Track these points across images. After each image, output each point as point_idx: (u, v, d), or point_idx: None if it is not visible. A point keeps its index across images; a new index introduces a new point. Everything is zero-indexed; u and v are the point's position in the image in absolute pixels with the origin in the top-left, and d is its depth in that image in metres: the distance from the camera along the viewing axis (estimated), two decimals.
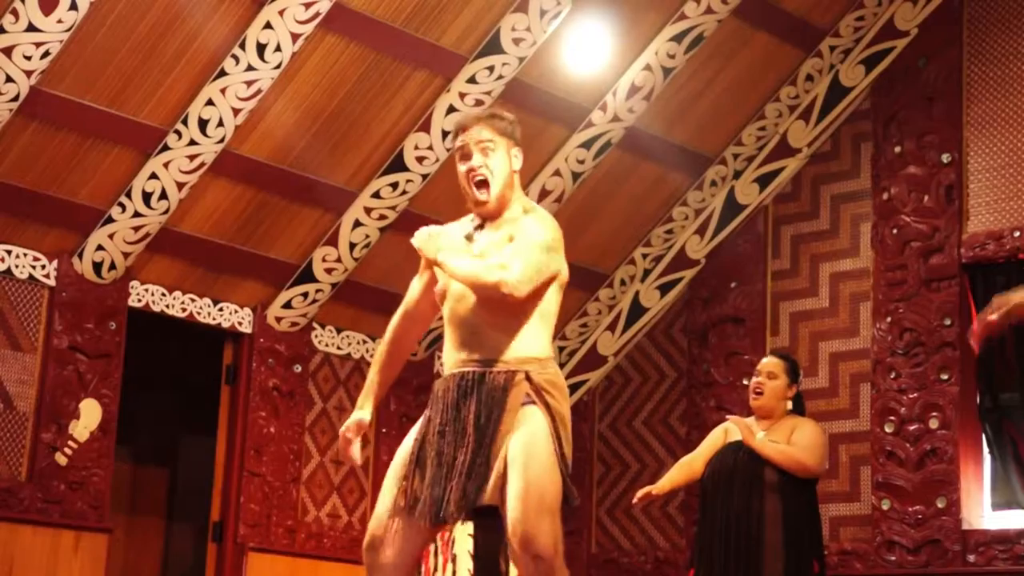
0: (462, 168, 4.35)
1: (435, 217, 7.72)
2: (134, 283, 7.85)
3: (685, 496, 8.98)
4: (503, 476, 4.11)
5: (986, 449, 8.22)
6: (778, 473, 6.47)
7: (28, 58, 6.77)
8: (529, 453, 4.11)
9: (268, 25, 7.21)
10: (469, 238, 4.33)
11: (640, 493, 6.65)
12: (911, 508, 8.22)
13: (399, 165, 8.04)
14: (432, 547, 6.52)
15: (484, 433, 4.17)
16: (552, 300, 4.30)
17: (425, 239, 4.26)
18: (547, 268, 4.22)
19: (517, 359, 4.22)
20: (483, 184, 4.32)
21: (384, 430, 8.61)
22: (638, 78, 8.36)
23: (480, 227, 4.36)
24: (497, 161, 4.31)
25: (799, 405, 6.73)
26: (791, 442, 6.50)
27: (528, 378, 4.20)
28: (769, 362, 6.70)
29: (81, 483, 7.54)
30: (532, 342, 4.25)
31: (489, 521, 4.22)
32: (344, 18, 7.42)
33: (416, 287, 4.51)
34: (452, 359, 4.30)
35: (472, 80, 7.89)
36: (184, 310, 8.05)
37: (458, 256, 4.22)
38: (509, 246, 4.23)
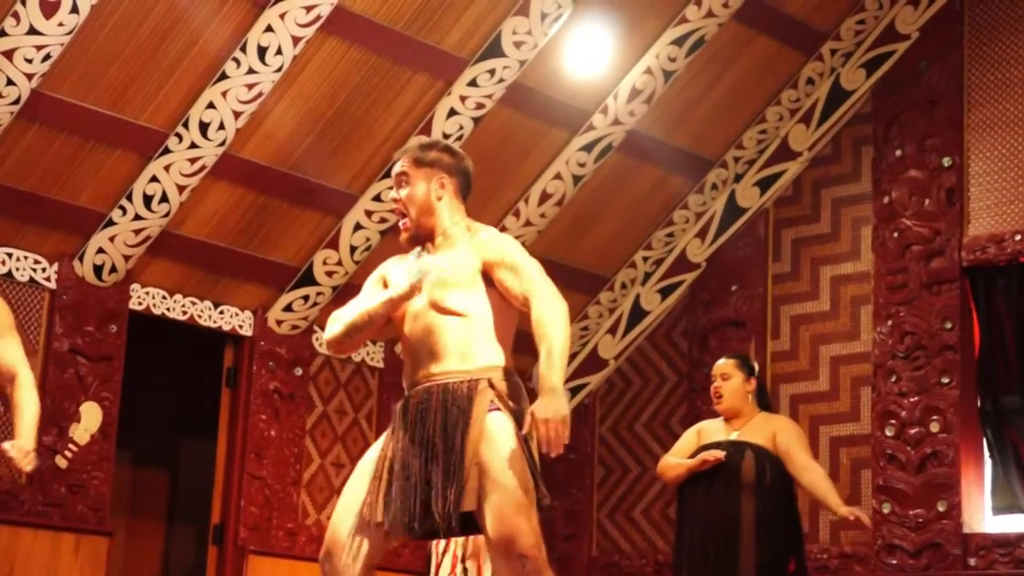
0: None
1: None
2: (135, 286, 7.86)
3: None
4: (479, 483, 4.14)
5: (987, 453, 8.22)
6: (756, 473, 6.52)
7: (29, 61, 6.77)
8: (501, 459, 4.14)
9: (269, 28, 7.21)
10: None
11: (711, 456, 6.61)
12: (912, 511, 8.22)
13: None
14: (455, 551, 6.46)
15: (453, 442, 4.20)
16: (504, 308, 4.35)
17: None
18: (541, 267, 4.33)
19: (479, 368, 4.27)
20: (401, 216, 4.49)
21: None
22: (639, 81, 8.36)
23: (426, 249, 4.44)
24: (413, 192, 4.45)
25: (763, 397, 6.83)
26: (777, 444, 6.58)
27: (491, 384, 4.24)
28: (721, 364, 6.82)
29: (81, 486, 7.54)
30: (491, 352, 4.30)
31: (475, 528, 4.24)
32: (345, 21, 7.42)
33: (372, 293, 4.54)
34: (412, 377, 4.35)
35: (473, 83, 7.90)
36: (185, 313, 8.05)
37: (547, 367, 4.14)
38: (518, 280, 4.27)
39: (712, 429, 6.79)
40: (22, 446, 5.05)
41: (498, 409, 4.22)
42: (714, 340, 9.13)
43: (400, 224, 4.48)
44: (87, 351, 7.62)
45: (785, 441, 6.58)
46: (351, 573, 4.25)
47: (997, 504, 8.16)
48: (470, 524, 4.23)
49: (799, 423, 8.70)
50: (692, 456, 6.67)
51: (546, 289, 4.23)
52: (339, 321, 4.45)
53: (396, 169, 4.50)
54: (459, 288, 4.29)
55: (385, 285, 4.48)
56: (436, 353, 4.29)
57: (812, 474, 6.54)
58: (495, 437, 4.17)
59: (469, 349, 4.27)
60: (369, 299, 4.43)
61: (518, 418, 4.22)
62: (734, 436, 6.64)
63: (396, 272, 4.44)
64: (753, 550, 6.47)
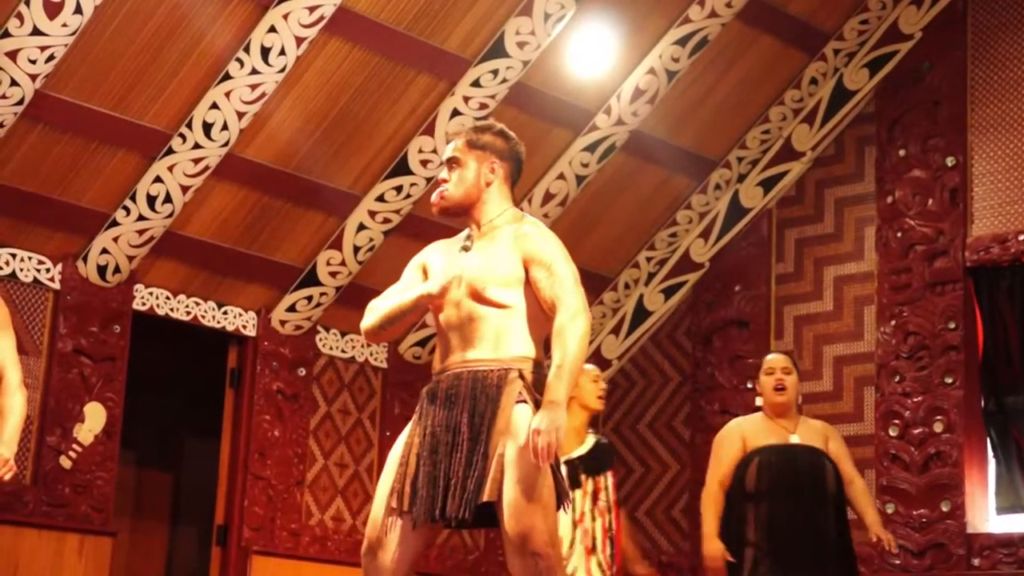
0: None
1: (438, 221, 7.72)
2: (138, 286, 7.86)
3: (690, 499, 8.98)
4: (501, 474, 4.14)
5: (991, 453, 8.22)
6: (836, 485, 6.45)
7: (33, 62, 6.78)
8: (522, 455, 4.14)
9: (272, 29, 7.22)
10: (465, 250, 4.41)
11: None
12: (915, 512, 8.21)
13: (403, 169, 8.05)
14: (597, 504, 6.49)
15: (479, 431, 4.21)
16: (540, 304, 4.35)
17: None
18: (577, 275, 4.31)
19: (510, 358, 4.27)
20: (441, 184, 4.46)
21: (388, 433, 8.62)
22: (642, 81, 8.36)
23: (470, 238, 4.44)
24: (463, 174, 4.42)
25: None
26: (830, 452, 6.51)
27: (521, 376, 4.24)
28: (782, 358, 6.67)
29: (85, 486, 7.55)
30: (524, 343, 4.30)
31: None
32: (348, 22, 7.43)
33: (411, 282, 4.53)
34: (444, 362, 4.36)
35: (476, 84, 7.90)
36: (188, 313, 8.05)
37: (554, 379, 4.14)
38: (550, 280, 4.26)
39: (759, 430, 6.57)
40: (1, 453, 4.98)
41: (525, 401, 4.21)
42: (717, 340, 9.13)
43: (437, 192, 4.44)
44: (91, 351, 7.63)
45: (836, 449, 6.52)
46: (392, 566, 4.25)
47: (1001, 504, 8.16)
48: (491, 515, 4.21)
49: None
50: (744, 458, 6.45)
51: (575, 300, 4.22)
52: (375, 311, 4.45)
53: (447, 152, 4.47)
54: (499, 280, 4.29)
55: (425, 272, 4.47)
56: (471, 340, 4.29)
57: (855, 487, 6.48)
58: (519, 431, 4.16)
59: (503, 339, 4.27)
60: (404, 293, 4.42)
61: None
62: (795, 440, 6.50)
63: (437, 260, 4.43)
64: (841, 560, 6.35)
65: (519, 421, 4.18)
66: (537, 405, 4.20)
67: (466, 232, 4.47)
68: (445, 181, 4.43)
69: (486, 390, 4.23)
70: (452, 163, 4.44)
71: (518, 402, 4.21)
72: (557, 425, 4.05)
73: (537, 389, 4.24)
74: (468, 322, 4.30)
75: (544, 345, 4.35)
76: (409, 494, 4.25)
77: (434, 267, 4.42)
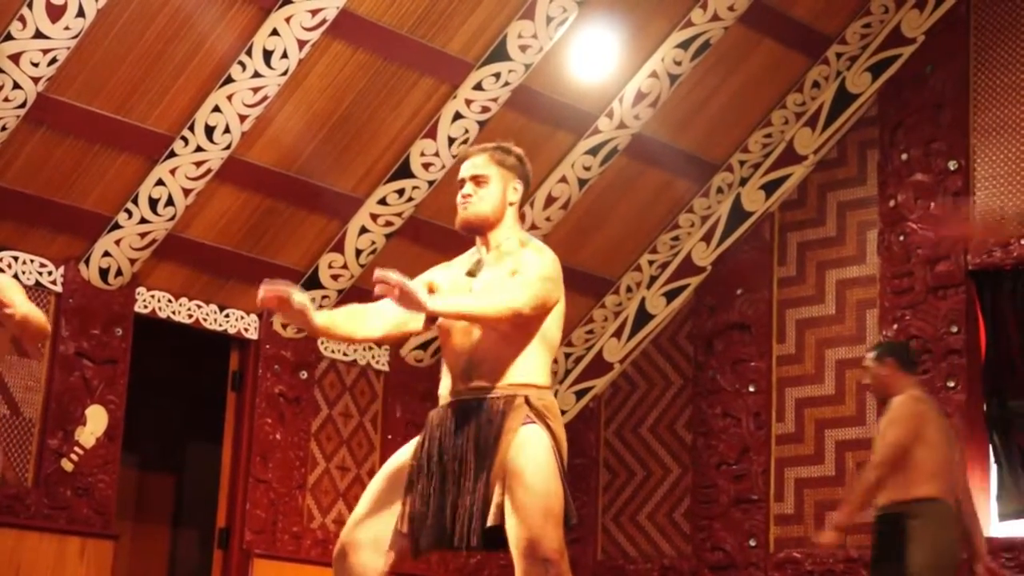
0: (459, 196, 4.48)
1: (441, 223, 7.73)
2: (140, 289, 7.86)
3: (691, 503, 8.98)
4: (504, 494, 4.16)
5: (992, 457, 8.21)
6: None
7: (35, 65, 6.78)
8: (533, 464, 4.17)
9: (275, 32, 7.22)
10: (471, 274, 4.42)
11: None
12: None
13: (405, 172, 8.05)
14: None
15: (485, 457, 4.23)
16: (551, 329, 4.37)
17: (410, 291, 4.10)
18: (549, 295, 4.31)
19: (516, 384, 4.29)
20: (467, 199, 4.45)
21: (390, 436, 8.62)
22: (644, 85, 8.36)
23: (478, 263, 4.45)
24: (490, 191, 4.43)
25: None
26: None
27: (527, 402, 4.26)
28: None
29: (87, 489, 7.55)
30: (531, 370, 4.32)
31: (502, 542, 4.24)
32: (350, 25, 7.43)
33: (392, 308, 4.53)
34: (450, 388, 4.38)
35: (478, 87, 7.90)
36: (190, 316, 8.06)
37: (454, 296, 4.25)
38: (512, 280, 4.30)
39: None
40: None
41: (533, 423, 4.24)
42: (719, 344, 9.12)
43: (465, 205, 4.42)
44: (93, 354, 7.63)
45: None
46: (365, 574, 4.26)
47: (1003, 510, 8.14)
48: (497, 539, 4.23)
49: (804, 427, 8.75)
50: None
51: (515, 290, 4.22)
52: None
53: (473, 167, 4.46)
54: None
55: (431, 288, 4.46)
56: (477, 367, 4.32)
57: None
58: (528, 446, 4.20)
59: (509, 365, 4.29)
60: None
61: (553, 433, 4.25)
62: None
63: (444, 279, 4.45)
64: None
65: (527, 439, 4.20)
66: (547, 427, 4.24)
67: (473, 256, 4.49)
68: (470, 196, 4.42)
69: (491, 418, 4.25)
70: (478, 180, 4.44)
71: (526, 423, 4.23)
72: (412, 291, 4.00)
73: (544, 413, 4.26)
74: (475, 350, 4.32)
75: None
76: (411, 519, 4.26)
77: (442, 286, 4.44)
